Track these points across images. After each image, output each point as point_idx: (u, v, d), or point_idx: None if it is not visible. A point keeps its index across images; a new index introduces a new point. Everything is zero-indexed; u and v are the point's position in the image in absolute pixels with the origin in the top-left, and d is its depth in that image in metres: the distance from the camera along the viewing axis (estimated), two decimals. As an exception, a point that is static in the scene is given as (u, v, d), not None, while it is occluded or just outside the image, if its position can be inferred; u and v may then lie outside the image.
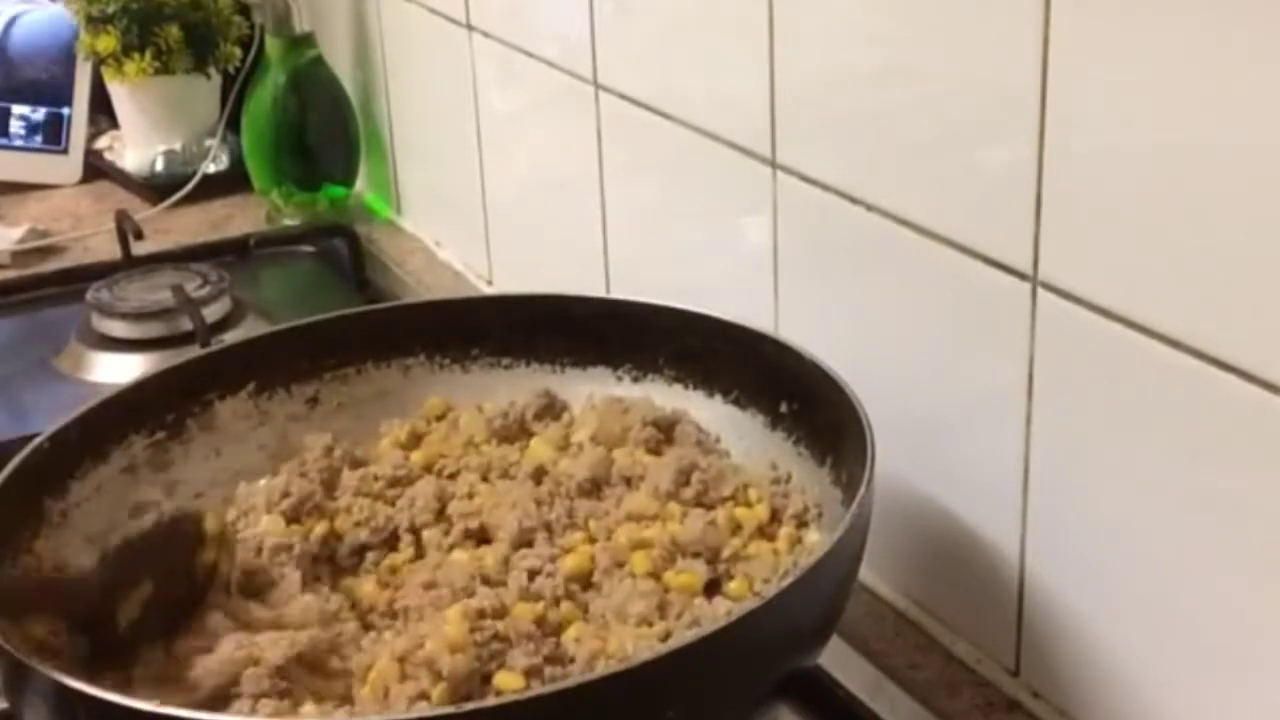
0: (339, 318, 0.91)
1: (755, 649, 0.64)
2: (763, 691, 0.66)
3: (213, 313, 1.16)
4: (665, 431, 0.84)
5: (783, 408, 0.82)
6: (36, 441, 0.77)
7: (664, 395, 0.86)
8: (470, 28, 1.20)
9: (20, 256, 1.37)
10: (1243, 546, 0.64)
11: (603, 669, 0.67)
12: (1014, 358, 0.73)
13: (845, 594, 0.71)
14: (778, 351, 0.81)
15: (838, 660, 0.77)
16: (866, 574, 0.87)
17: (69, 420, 0.79)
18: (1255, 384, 0.61)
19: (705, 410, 0.85)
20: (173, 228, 1.43)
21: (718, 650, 0.61)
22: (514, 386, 0.89)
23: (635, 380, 0.88)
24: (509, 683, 0.67)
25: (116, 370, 1.10)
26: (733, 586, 0.74)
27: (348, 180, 1.46)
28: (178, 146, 1.52)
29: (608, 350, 0.89)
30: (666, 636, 0.70)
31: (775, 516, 0.78)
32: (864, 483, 0.69)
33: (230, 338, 1.10)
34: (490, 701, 0.63)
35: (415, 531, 0.80)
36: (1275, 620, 0.64)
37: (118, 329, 1.16)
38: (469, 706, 0.62)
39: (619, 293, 1.08)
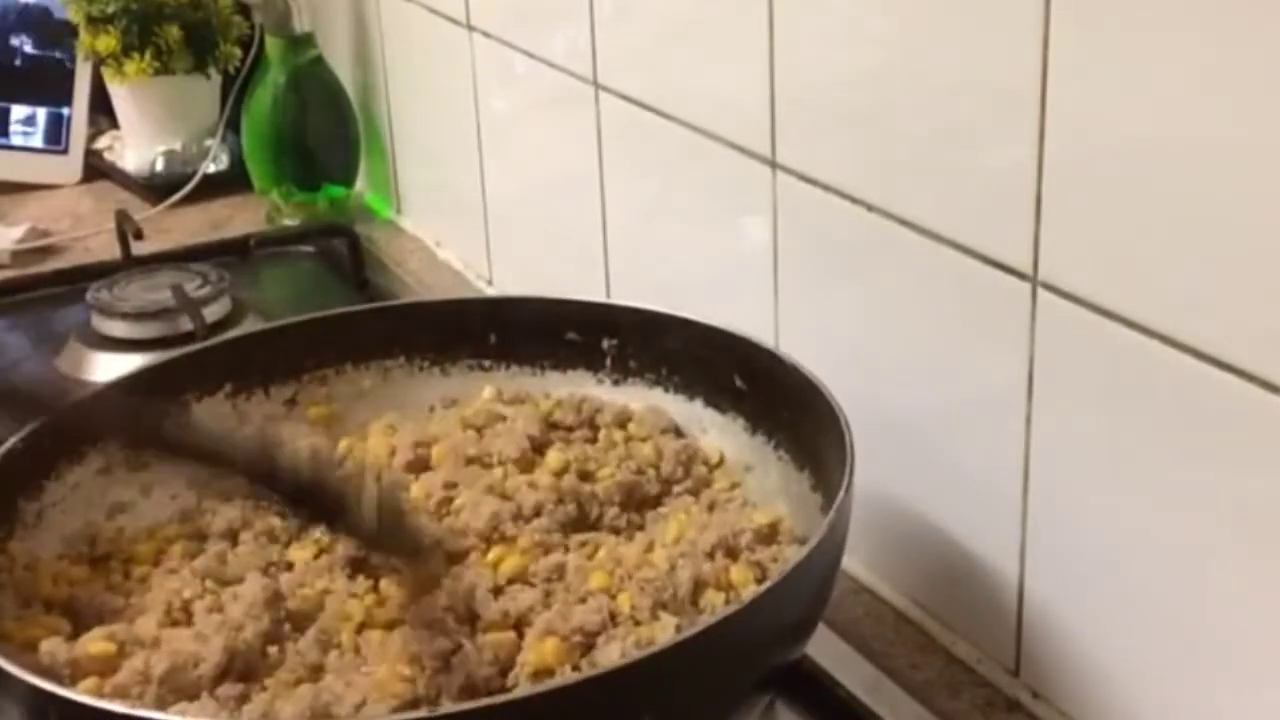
0: (317, 319, 0.91)
1: (729, 656, 0.63)
2: (738, 695, 0.66)
3: (213, 313, 1.15)
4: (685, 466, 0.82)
5: (762, 411, 0.82)
6: (10, 443, 0.76)
7: (643, 398, 0.86)
8: (470, 28, 1.20)
9: (20, 256, 1.37)
10: (1243, 546, 0.64)
11: (576, 675, 0.66)
12: (1014, 358, 0.73)
13: (821, 603, 0.70)
14: (756, 355, 0.81)
15: (838, 660, 0.77)
16: (867, 574, 0.87)
17: (42, 422, 0.77)
18: (1255, 384, 0.61)
19: (684, 413, 0.85)
20: (173, 228, 1.43)
21: (691, 657, 0.61)
22: (495, 389, 0.88)
23: (616, 384, 0.88)
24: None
25: (117, 370, 1.09)
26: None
27: (348, 180, 1.46)
28: (178, 146, 1.51)
29: (588, 353, 0.88)
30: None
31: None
32: (842, 487, 0.68)
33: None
34: (462, 706, 0.63)
35: None
36: (1275, 620, 0.64)
37: (118, 329, 1.16)
38: (442, 710, 0.62)
39: (619, 292, 1.08)
